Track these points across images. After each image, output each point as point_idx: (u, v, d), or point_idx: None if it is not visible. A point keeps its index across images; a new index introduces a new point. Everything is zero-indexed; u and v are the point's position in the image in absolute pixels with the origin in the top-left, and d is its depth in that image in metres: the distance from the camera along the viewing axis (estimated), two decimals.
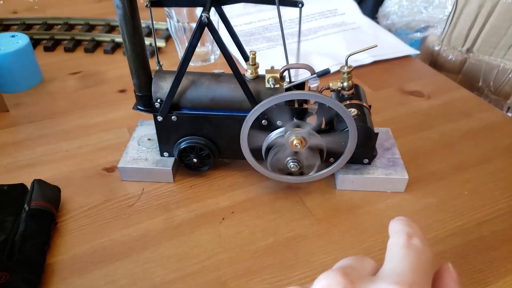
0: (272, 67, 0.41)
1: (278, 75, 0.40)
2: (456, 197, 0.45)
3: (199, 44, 0.70)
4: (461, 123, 0.56)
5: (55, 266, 0.38)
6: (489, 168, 0.49)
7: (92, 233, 0.41)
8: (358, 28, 0.79)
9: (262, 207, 0.44)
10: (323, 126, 0.44)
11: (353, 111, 0.41)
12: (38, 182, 0.43)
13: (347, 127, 0.40)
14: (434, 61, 0.80)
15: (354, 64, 0.67)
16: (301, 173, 0.44)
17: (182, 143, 0.44)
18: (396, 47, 0.73)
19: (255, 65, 0.41)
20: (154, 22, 0.42)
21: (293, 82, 0.41)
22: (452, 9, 0.74)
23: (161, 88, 0.42)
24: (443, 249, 0.39)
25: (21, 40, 0.63)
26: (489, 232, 0.41)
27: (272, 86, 0.40)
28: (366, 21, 0.82)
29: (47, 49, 0.74)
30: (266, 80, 0.40)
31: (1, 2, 0.97)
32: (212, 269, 0.38)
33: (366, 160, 0.45)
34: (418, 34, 0.80)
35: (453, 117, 0.57)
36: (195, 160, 0.45)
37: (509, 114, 0.70)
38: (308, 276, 0.37)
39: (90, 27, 0.80)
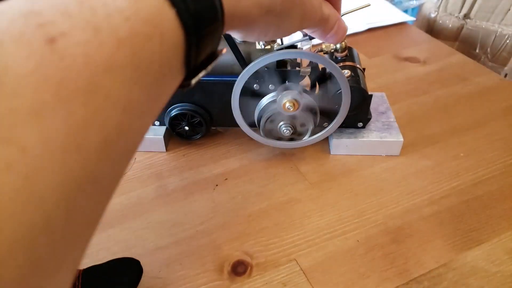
0: None
1: None
2: (451, 159, 0.44)
3: None
4: (457, 87, 0.55)
5: None
6: (485, 130, 0.48)
7: None
8: None
9: (256, 173, 0.43)
10: (316, 92, 0.43)
11: (346, 72, 0.41)
12: None
13: (340, 89, 0.39)
14: (431, 29, 0.78)
15: (348, 32, 0.66)
16: (293, 138, 0.43)
17: (173, 111, 0.43)
18: (391, 14, 0.72)
19: None
20: None
21: (284, 43, 0.40)
22: None
23: None
24: (438, 210, 0.39)
25: None
26: (484, 192, 0.41)
27: (262, 47, 0.39)
28: None
29: None
30: (256, 41, 0.39)
31: None
32: (206, 233, 0.37)
33: (360, 124, 0.44)
34: (414, 2, 0.78)
35: (449, 81, 0.56)
36: (186, 128, 0.44)
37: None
38: (302, 238, 0.37)
39: None
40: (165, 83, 0.16)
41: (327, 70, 0.39)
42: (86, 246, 0.15)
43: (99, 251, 0.36)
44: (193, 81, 0.18)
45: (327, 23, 0.27)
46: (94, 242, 0.37)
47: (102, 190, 0.14)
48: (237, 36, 0.24)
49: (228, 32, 0.22)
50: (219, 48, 0.19)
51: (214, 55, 0.19)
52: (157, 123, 0.45)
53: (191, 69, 0.17)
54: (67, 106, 0.12)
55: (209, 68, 0.19)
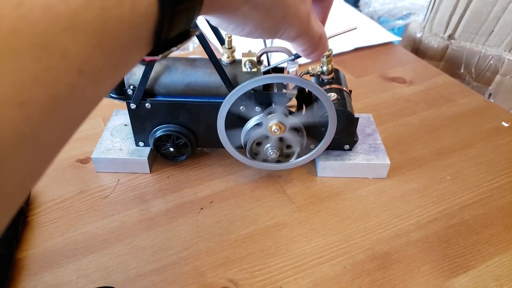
0: (250, 51, 0.40)
1: (255, 59, 0.39)
2: (438, 182, 0.44)
3: None
4: (443, 108, 0.56)
5: (25, 261, 0.36)
6: (471, 153, 0.48)
7: (65, 226, 0.39)
8: (339, 15, 0.78)
9: (242, 196, 0.42)
10: (303, 113, 0.43)
11: (333, 95, 0.41)
12: None
13: (326, 112, 0.39)
14: (416, 48, 0.79)
15: (335, 52, 0.66)
16: (280, 161, 0.42)
17: (158, 132, 0.43)
18: (377, 34, 0.72)
19: (231, 49, 0.39)
20: None
21: (270, 65, 0.40)
22: None
23: (134, 74, 0.41)
24: (425, 234, 0.39)
25: None
26: (471, 216, 0.40)
27: (249, 70, 0.39)
28: (347, 8, 0.81)
29: None
30: (243, 64, 0.39)
31: None
32: (190, 260, 0.36)
33: (347, 146, 0.44)
34: (400, 21, 0.80)
35: (435, 102, 0.57)
36: (171, 149, 0.43)
37: (491, 100, 0.70)
38: (289, 264, 0.36)
39: None
40: (130, 52, 0.15)
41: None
42: (13, 212, 0.14)
43: (78, 278, 0.35)
44: (160, 56, 0.17)
45: (312, 36, 0.25)
46: (74, 268, 0.35)
47: (41, 152, 0.14)
48: (214, 22, 0.23)
49: (205, 16, 0.21)
50: (194, 29, 0.18)
51: (187, 34, 0.18)
52: (141, 143, 0.45)
53: (160, 44, 0.16)
54: (16, 59, 0.11)
55: (180, 46, 0.18)
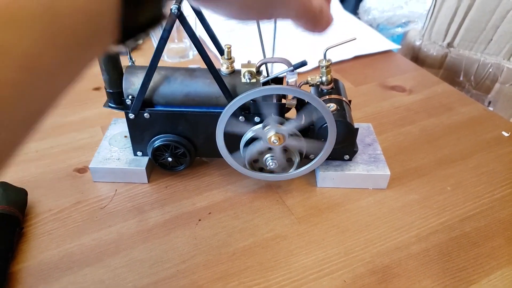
0: (249, 62, 0.40)
1: (254, 69, 0.38)
2: (438, 193, 0.44)
3: (176, 40, 0.68)
4: (443, 117, 0.55)
5: (20, 274, 0.36)
6: (471, 163, 0.48)
7: (61, 238, 0.39)
8: (338, 24, 0.78)
9: (241, 207, 0.42)
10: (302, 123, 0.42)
11: (332, 106, 0.40)
12: (2, 185, 0.40)
13: (326, 123, 0.38)
14: (416, 56, 0.79)
15: (334, 60, 0.66)
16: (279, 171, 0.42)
17: (156, 142, 0.42)
18: (377, 42, 0.72)
19: (230, 59, 0.39)
20: None
21: (270, 76, 0.40)
22: (432, 3, 0.73)
23: (133, 84, 0.40)
24: (426, 247, 0.38)
25: None
26: (472, 229, 0.40)
27: (248, 81, 0.38)
28: (347, 16, 0.81)
29: None
30: (242, 75, 0.38)
31: None
32: (187, 273, 0.36)
33: (346, 156, 0.44)
34: (399, 29, 0.80)
35: (435, 111, 0.56)
36: (170, 159, 0.43)
37: (490, 108, 0.70)
38: (288, 278, 0.35)
39: None
40: (90, 44, 0.14)
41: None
42: None
43: None
44: (129, 43, 0.16)
45: (311, 10, 0.23)
46: (69, 281, 0.35)
47: None
48: (194, 3, 0.20)
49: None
50: (166, 12, 0.17)
51: (158, 19, 0.17)
52: (139, 153, 0.44)
53: (127, 31, 0.15)
54: None
55: (150, 32, 0.16)
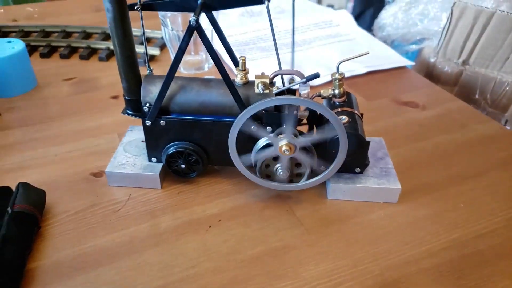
0: (263, 73, 0.41)
1: (267, 81, 0.39)
2: (451, 209, 0.44)
3: (193, 53, 0.70)
4: (457, 134, 0.55)
5: (36, 272, 0.37)
6: (485, 180, 0.48)
7: (76, 238, 0.40)
8: (353, 40, 0.79)
9: (251, 215, 0.42)
10: (314, 133, 0.43)
11: (344, 118, 0.41)
12: (23, 185, 0.42)
13: (337, 135, 0.39)
14: (430, 73, 0.79)
15: (348, 74, 0.67)
16: (291, 181, 0.43)
17: (170, 148, 0.43)
18: (390, 58, 0.73)
19: (245, 71, 0.40)
20: (149, 31, 0.42)
21: (283, 87, 0.41)
22: (447, 21, 0.74)
23: (150, 92, 0.42)
24: (437, 263, 0.38)
25: (16, 45, 0.63)
26: (485, 247, 0.39)
27: (261, 92, 0.39)
28: (361, 32, 0.82)
29: (43, 55, 0.74)
30: (255, 85, 0.40)
31: (2, 10, 0.97)
32: (196, 278, 0.36)
33: (358, 169, 0.44)
34: (414, 46, 0.80)
35: (449, 128, 0.56)
36: (183, 166, 0.44)
37: (507, 127, 0.69)
38: (296, 287, 0.35)
39: (87, 35, 0.80)
40: None
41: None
42: None
43: None
44: None
45: None
46: (82, 281, 0.36)
47: None
48: None
49: None
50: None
51: None
52: (154, 159, 0.45)
53: None
54: None
55: None
